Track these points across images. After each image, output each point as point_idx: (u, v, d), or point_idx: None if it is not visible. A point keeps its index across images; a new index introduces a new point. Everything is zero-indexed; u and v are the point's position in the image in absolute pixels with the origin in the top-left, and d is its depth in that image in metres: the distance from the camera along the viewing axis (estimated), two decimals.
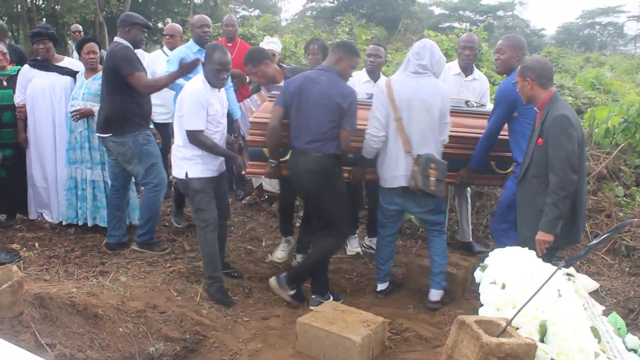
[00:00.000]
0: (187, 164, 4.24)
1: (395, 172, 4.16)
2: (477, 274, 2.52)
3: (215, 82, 4.21)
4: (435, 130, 4.13)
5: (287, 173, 4.36)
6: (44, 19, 23.38)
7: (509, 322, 2.03)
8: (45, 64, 5.37)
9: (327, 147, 4.10)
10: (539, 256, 3.49)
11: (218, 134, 4.28)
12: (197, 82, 4.24)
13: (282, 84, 4.55)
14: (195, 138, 4.14)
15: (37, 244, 5.01)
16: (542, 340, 2.05)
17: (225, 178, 4.61)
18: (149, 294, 4.12)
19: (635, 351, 2.45)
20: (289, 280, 4.30)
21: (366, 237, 5.47)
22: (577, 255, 2.16)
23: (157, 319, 3.83)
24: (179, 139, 4.28)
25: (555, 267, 2.51)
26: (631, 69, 19.21)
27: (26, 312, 3.27)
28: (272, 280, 4.33)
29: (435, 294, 4.30)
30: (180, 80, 4.94)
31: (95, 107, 5.07)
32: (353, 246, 5.31)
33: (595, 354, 2.07)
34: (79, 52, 5.38)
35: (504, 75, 4.54)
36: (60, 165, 5.37)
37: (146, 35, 5.00)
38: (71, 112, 5.16)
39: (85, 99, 5.15)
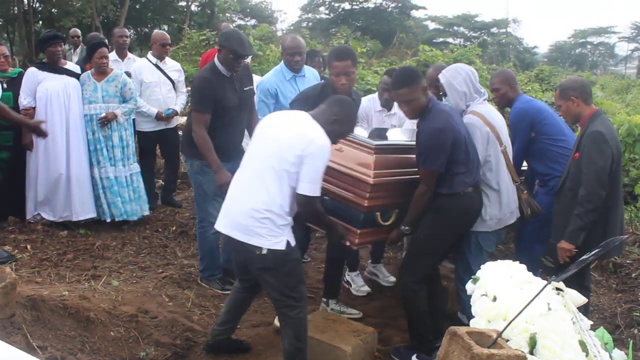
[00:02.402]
0: (286, 230, 3.25)
1: (512, 206, 3.89)
2: (469, 286, 2.56)
3: (341, 137, 3.43)
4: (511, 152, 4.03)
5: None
6: (41, 22, 23.35)
7: (500, 334, 2.07)
8: (55, 67, 5.48)
9: None
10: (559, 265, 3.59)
11: None
12: (322, 134, 3.20)
13: None
14: (312, 205, 3.24)
15: (29, 246, 5.01)
16: (531, 353, 2.09)
17: None
18: (141, 299, 4.14)
19: None
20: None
21: (370, 263, 5.14)
22: (568, 270, 2.21)
23: (148, 324, 3.84)
24: (278, 198, 3.19)
25: (546, 281, 2.56)
26: (621, 88, 19.44)
27: (18, 314, 3.27)
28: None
29: None
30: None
31: (117, 109, 5.49)
32: (359, 285, 4.84)
33: None
34: (90, 56, 5.59)
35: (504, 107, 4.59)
36: (75, 166, 5.43)
37: (238, 62, 4.34)
38: (99, 120, 5.45)
39: (107, 102, 5.51)
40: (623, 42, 43.96)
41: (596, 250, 2.15)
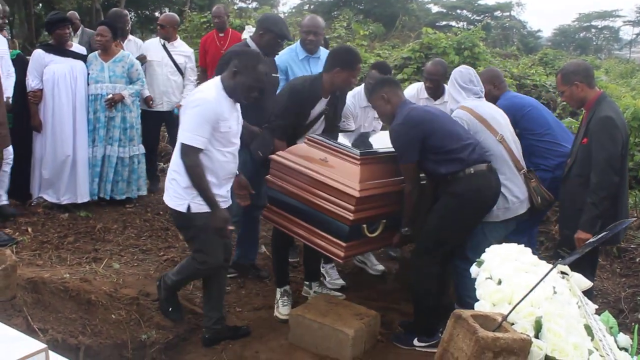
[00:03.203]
0: (191, 194, 3.41)
1: (521, 195, 3.76)
2: (474, 270, 2.52)
3: (240, 97, 3.47)
4: (518, 142, 3.95)
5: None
6: (40, 4, 23.19)
7: (505, 318, 2.03)
8: (61, 49, 5.48)
9: None
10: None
11: (229, 155, 3.50)
12: (210, 89, 3.44)
13: None
14: (188, 157, 3.33)
15: (30, 229, 4.98)
16: (536, 337, 2.06)
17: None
18: (142, 281, 4.12)
19: (626, 350, 2.46)
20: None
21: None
22: (575, 252, 2.17)
23: (150, 307, 3.83)
24: (178, 159, 3.43)
25: (551, 265, 2.52)
26: (626, 73, 19.30)
27: (19, 296, 3.27)
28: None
29: None
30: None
31: (125, 90, 5.53)
32: (333, 278, 4.60)
33: (589, 351, 2.09)
34: None
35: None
36: (81, 148, 5.46)
37: (281, 45, 4.40)
38: (105, 101, 5.46)
39: (114, 82, 5.54)
40: (628, 26, 43.72)
41: (603, 234, 2.11)
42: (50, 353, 1.64)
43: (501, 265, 2.40)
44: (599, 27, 44.00)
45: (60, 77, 5.37)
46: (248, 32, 6.21)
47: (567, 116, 8.44)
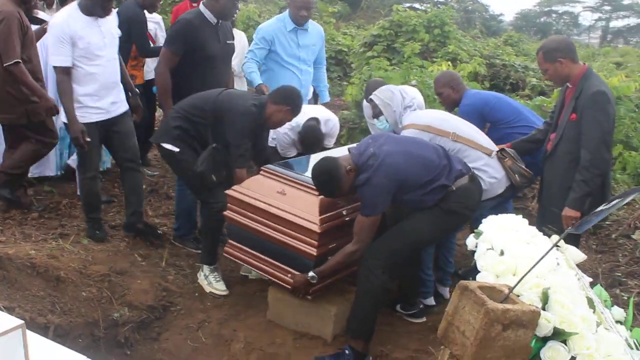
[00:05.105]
0: (76, 108, 3.92)
1: (497, 174, 3.62)
2: (470, 241, 2.44)
3: (98, 10, 3.82)
4: (476, 128, 3.79)
5: None
6: None
7: (512, 289, 1.95)
8: (32, 16, 5.12)
9: None
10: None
11: (98, 67, 3.91)
12: (61, 13, 3.88)
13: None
14: (57, 74, 3.87)
15: None
16: (543, 309, 1.99)
17: (128, 115, 4.22)
18: (112, 258, 3.95)
19: (620, 323, 2.42)
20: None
21: None
22: (588, 221, 2.08)
23: (121, 284, 3.68)
24: None
25: (547, 237, 2.46)
26: (586, 57, 19.62)
27: None
28: None
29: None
30: None
31: None
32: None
33: (597, 324, 2.02)
34: None
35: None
36: None
37: (238, 9, 4.26)
38: None
39: None
40: (587, 11, 44.34)
41: (616, 201, 2.02)
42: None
43: (502, 236, 2.32)
44: (560, 12, 44.55)
45: None
46: None
47: (536, 95, 8.47)
